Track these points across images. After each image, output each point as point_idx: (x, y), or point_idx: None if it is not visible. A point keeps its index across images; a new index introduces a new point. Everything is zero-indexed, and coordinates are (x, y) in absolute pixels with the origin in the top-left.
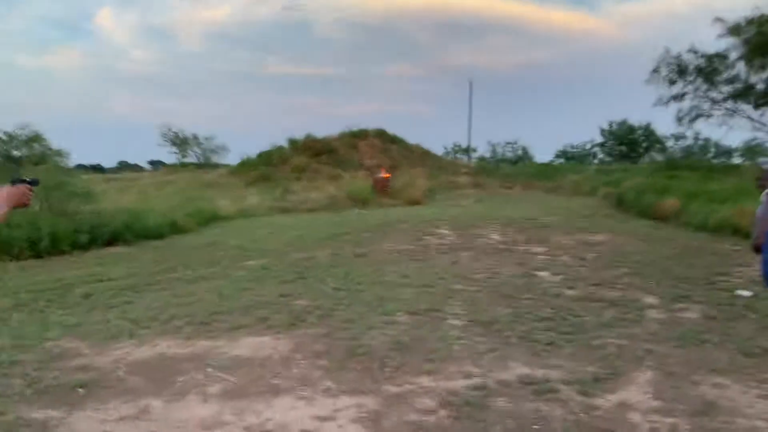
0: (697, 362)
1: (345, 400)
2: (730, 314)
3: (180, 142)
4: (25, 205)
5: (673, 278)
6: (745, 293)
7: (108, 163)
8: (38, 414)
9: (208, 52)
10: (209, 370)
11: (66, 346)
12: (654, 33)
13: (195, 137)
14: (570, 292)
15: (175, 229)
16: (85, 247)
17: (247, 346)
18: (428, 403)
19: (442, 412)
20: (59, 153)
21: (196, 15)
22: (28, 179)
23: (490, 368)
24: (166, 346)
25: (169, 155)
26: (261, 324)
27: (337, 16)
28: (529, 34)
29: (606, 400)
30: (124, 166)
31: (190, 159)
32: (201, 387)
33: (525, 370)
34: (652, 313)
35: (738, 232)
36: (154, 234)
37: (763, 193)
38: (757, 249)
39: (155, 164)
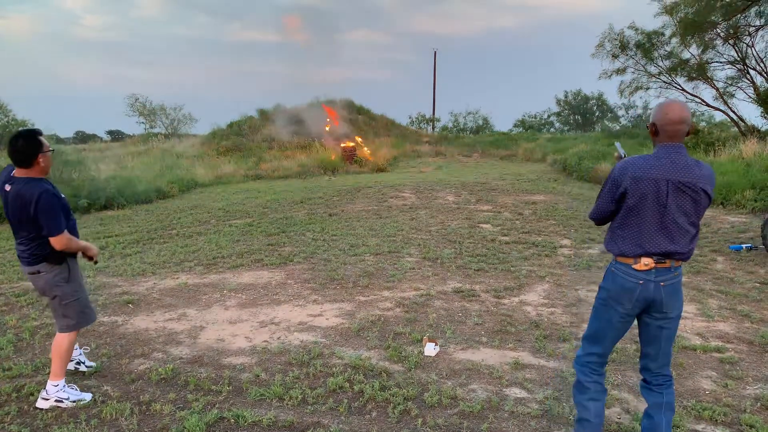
0: (582, 279)
1: (328, 306)
2: None
3: (148, 112)
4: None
5: (588, 227)
6: None
7: (64, 133)
8: (106, 318)
9: (166, 17)
10: (225, 291)
11: (103, 280)
12: (619, 3)
13: (163, 108)
14: (503, 238)
15: (161, 194)
16: (85, 210)
17: (249, 277)
18: (388, 304)
19: (397, 309)
20: (23, 124)
21: None
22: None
23: (432, 285)
24: (186, 278)
25: (129, 125)
26: (257, 263)
27: None
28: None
29: (511, 300)
30: (81, 137)
31: (158, 129)
32: (221, 301)
33: (458, 285)
34: (564, 251)
35: None
36: (143, 199)
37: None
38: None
39: (114, 134)
